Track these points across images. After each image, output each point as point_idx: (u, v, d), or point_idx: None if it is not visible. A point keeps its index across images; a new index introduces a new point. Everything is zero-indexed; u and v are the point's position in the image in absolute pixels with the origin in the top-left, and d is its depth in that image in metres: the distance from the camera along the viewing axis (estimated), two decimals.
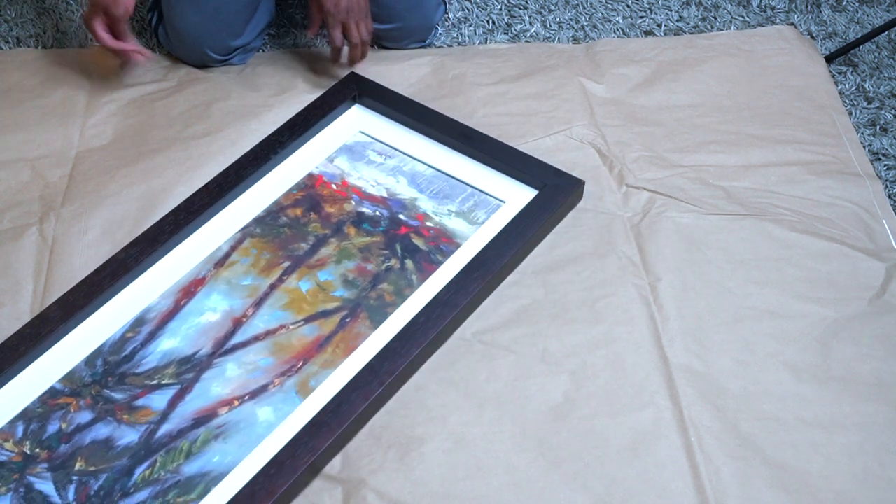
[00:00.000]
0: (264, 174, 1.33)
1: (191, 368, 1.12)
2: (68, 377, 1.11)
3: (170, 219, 1.25)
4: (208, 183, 1.30)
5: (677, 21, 1.65)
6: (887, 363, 1.15)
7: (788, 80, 1.52)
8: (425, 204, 1.31)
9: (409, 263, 1.24)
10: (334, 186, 1.33)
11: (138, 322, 1.17)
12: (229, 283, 1.21)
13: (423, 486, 1.03)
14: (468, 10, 1.65)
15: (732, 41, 1.59)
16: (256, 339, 1.16)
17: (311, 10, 1.42)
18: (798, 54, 1.57)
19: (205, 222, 1.27)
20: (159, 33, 1.51)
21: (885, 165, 1.41)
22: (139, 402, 1.09)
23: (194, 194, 1.28)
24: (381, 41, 1.55)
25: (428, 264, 1.23)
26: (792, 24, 1.65)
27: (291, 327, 1.17)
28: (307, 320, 1.18)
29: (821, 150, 1.41)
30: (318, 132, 1.39)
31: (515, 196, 1.31)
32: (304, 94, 1.46)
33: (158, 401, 1.09)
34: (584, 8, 1.67)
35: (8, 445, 1.05)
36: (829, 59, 1.58)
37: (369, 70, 1.49)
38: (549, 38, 1.61)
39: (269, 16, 1.53)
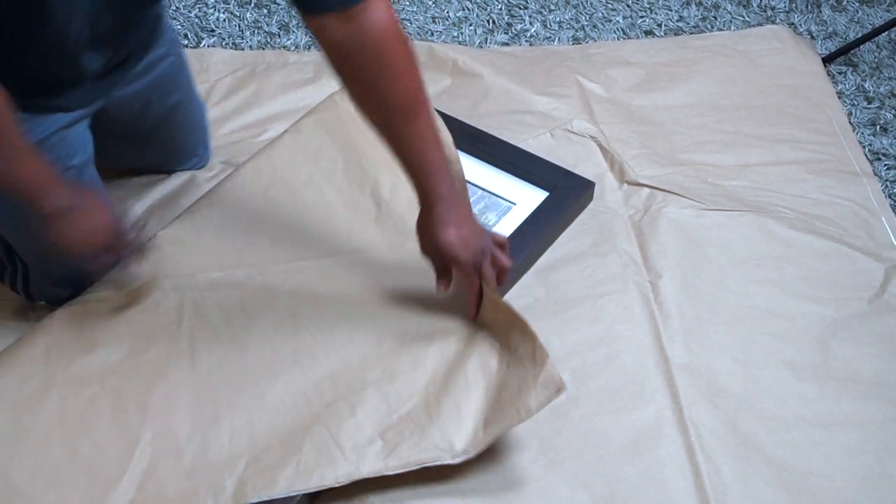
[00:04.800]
0: None
1: None
2: None
3: None
4: None
5: (677, 21, 1.65)
6: (887, 362, 1.15)
7: (783, 79, 1.52)
8: None
9: None
10: None
11: None
12: None
13: (424, 486, 1.03)
14: (468, 9, 1.66)
15: (726, 42, 1.59)
16: None
17: (437, 265, 1.07)
18: (791, 53, 1.57)
19: None
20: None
21: (886, 165, 1.41)
22: None
23: None
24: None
25: None
26: (792, 24, 1.65)
27: None
28: None
29: (818, 149, 1.41)
30: None
31: (526, 198, 1.30)
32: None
33: None
34: (584, 8, 1.67)
35: None
36: (829, 59, 1.59)
37: None
38: (549, 37, 1.61)
39: None
